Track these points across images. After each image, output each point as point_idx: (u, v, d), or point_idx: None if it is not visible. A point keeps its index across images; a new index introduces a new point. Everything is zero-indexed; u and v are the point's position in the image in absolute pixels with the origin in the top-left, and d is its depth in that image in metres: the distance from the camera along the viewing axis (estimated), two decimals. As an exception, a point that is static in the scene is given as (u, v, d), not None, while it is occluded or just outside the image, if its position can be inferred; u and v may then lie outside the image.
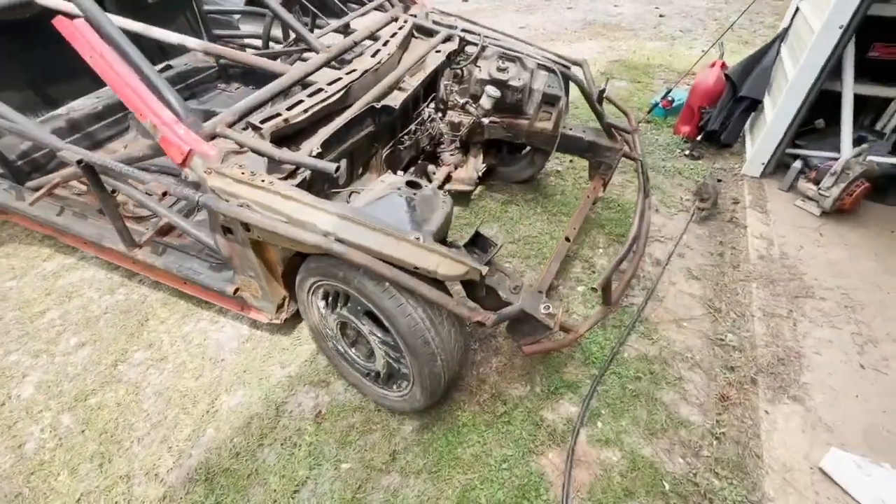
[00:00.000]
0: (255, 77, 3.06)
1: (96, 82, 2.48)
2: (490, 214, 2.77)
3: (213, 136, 1.51)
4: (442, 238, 1.54)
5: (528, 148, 2.77)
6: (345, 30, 2.63)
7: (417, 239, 1.34)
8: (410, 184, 1.54)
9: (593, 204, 2.47)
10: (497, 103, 2.40)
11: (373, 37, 2.18)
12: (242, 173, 1.41)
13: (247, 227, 1.48)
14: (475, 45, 2.38)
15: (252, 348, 2.01)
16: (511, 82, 2.31)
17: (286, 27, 2.55)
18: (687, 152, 3.38)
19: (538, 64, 2.35)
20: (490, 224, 2.71)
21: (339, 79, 1.82)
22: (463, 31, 2.45)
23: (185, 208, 2.15)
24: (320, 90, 1.74)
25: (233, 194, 1.39)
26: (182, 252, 1.97)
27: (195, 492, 1.54)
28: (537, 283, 1.86)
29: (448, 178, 2.61)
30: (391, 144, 2.04)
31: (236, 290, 1.75)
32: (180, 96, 1.50)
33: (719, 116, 3.31)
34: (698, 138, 3.44)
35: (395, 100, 1.83)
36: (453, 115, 2.50)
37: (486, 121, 2.44)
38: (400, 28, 2.29)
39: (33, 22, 1.97)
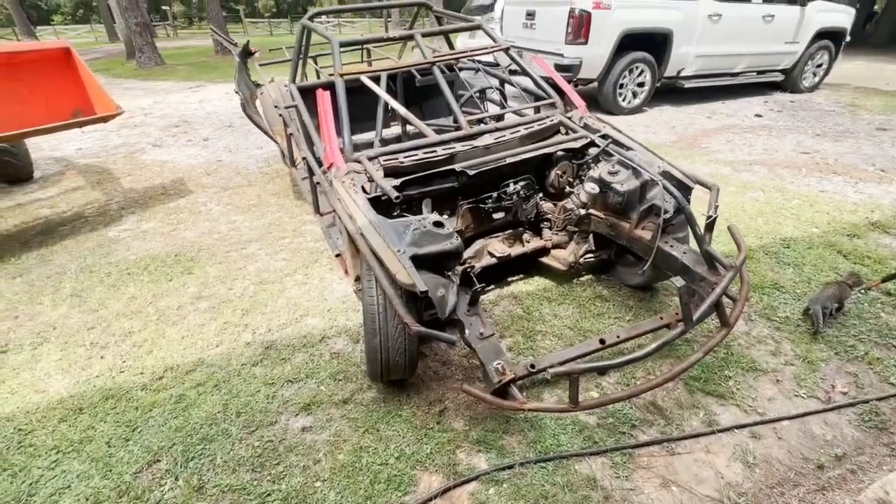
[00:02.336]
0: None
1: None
2: (575, 299, 2.88)
3: (357, 160, 2.51)
4: (435, 265, 2.04)
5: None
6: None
7: (398, 251, 1.93)
8: (436, 223, 2.12)
9: (667, 327, 2.30)
10: (602, 202, 2.62)
11: (512, 126, 2.81)
12: (348, 182, 2.34)
13: None
14: (597, 147, 2.67)
15: (343, 301, 2.94)
16: (614, 185, 2.49)
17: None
18: (910, 348, 2.45)
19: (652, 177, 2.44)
20: (567, 306, 2.82)
21: (453, 147, 2.56)
22: (602, 136, 2.77)
23: None
24: (434, 151, 2.53)
25: (337, 192, 2.33)
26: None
27: (258, 350, 2.55)
28: (541, 358, 2.06)
29: (546, 252, 2.94)
30: (471, 202, 2.62)
31: (338, 254, 2.72)
32: (351, 138, 2.58)
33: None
34: (940, 337, 2.42)
35: (471, 169, 2.43)
36: (567, 202, 2.84)
37: (582, 211, 2.68)
38: (540, 124, 2.84)
39: (355, 89, 3.52)
